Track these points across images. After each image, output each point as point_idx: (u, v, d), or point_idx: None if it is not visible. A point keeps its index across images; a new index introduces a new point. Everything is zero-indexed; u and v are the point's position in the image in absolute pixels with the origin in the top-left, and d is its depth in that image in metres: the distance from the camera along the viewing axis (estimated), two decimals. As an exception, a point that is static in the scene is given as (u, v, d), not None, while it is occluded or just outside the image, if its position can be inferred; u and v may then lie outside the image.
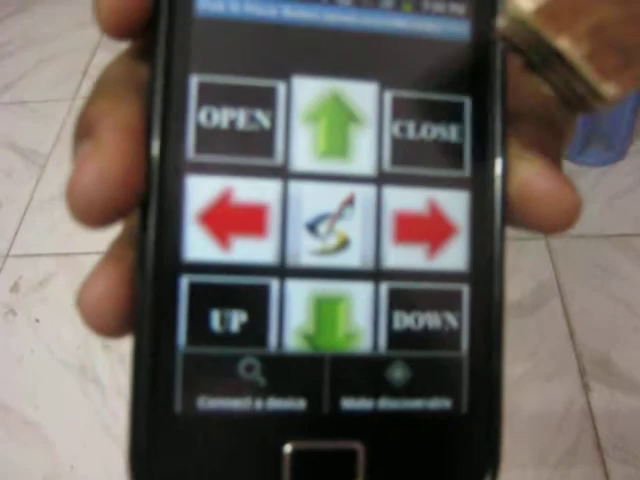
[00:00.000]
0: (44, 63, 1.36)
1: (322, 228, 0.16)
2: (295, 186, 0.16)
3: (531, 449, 0.80)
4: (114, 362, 0.88)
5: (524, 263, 0.98)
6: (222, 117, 0.16)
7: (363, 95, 0.17)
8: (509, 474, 0.78)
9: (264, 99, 0.16)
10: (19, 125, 1.23)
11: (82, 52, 1.35)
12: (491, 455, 0.17)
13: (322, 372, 0.16)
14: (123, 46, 0.18)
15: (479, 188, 0.17)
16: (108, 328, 0.16)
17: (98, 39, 1.35)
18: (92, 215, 0.15)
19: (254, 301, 0.16)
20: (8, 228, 1.05)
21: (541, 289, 0.96)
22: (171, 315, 0.16)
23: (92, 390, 0.86)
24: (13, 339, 0.91)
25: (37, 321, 0.93)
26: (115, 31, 0.16)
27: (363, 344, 0.17)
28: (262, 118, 0.16)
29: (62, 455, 0.80)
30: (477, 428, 0.17)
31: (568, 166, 1.11)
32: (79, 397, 0.85)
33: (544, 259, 0.99)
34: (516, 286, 0.95)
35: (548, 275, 0.97)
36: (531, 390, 0.85)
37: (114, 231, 0.17)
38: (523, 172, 0.17)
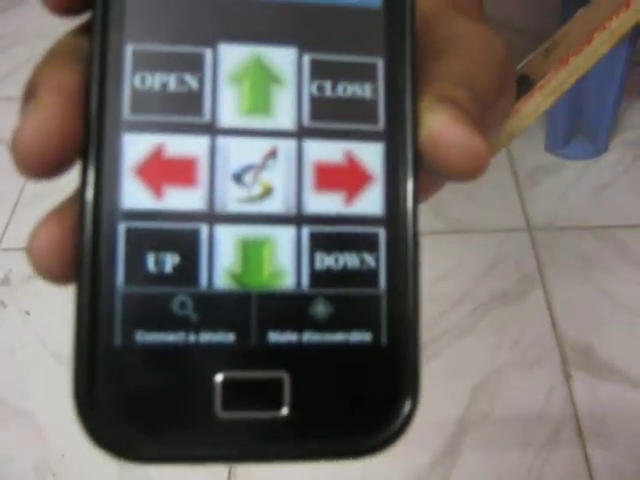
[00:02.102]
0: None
1: (247, 178, 0.18)
2: (222, 141, 0.18)
3: (513, 435, 0.82)
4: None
5: (507, 254, 1.00)
6: (155, 81, 0.18)
7: (283, 58, 0.19)
8: (491, 459, 0.80)
9: (193, 64, 0.18)
10: (7, 121, 1.23)
11: (72, 48, 1.34)
12: (410, 383, 0.18)
13: (249, 308, 0.18)
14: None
15: (392, 139, 0.19)
16: (55, 274, 0.18)
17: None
18: (32, 166, 0.17)
19: (186, 245, 0.18)
20: (-2, 222, 1.06)
21: (524, 280, 0.97)
22: (110, 258, 0.17)
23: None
24: (4, 331, 0.92)
25: (27, 313, 0.94)
26: (57, 8, 0.18)
27: (287, 282, 0.18)
28: (191, 81, 0.18)
29: (53, 444, 0.82)
30: (396, 359, 0.18)
31: (552, 159, 1.12)
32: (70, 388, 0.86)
33: (527, 250, 1.00)
34: (499, 277, 0.97)
35: (531, 266, 0.98)
36: (513, 378, 0.86)
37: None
38: (431, 123, 0.18)
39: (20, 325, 0.92)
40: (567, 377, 0.86)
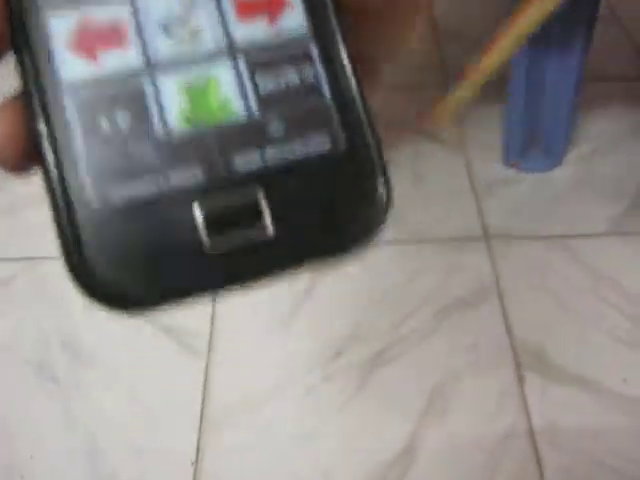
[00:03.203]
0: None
1: (174, 26, 0.19)
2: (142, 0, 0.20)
3: (466, 436, 0.84)
4: (72, 358, 0.91)
5: (465, 262, 1.03)
6: None
7: None
8: (447, 458, 0.82)
9: None
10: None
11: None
12: (381, 173, 0.20)
13: (210, 142, 0.19)
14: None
15: None
16: (13, 164, 0.19)
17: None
18: None
19: (134, 100, 0.19)
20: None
21: (481, 287, 1.00)
22: (67, 131, 0.18)
23: (50, 385, 0.89)
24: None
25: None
26: None
27: (238, 112, 0.19)
28: None
29: (21, 446, 0.83)
30: (361, 158, 0.20)
31: (508, 171, 1.17)
32: (37, 391, 0.88)
33: (484, 259, 1.04)
34: (457, 284, 1.00)
35: (488, 274, 1.02)
36: (469, 380, 0.89)
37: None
38: None
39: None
40: (521, 380, 0.89)
